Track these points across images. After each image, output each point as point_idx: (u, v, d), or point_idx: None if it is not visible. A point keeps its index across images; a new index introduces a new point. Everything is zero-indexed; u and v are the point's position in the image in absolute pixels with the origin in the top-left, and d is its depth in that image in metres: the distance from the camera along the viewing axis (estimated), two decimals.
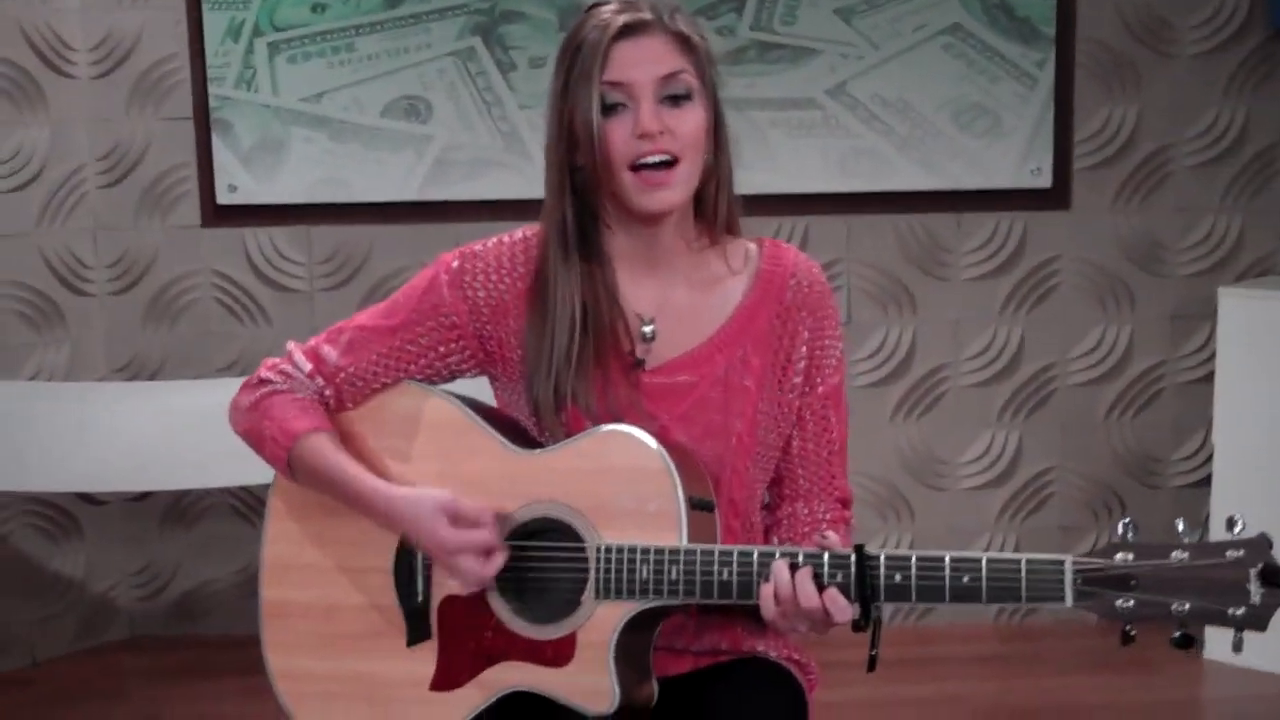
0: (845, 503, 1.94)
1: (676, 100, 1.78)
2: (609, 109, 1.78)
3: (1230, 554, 1.56)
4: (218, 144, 3.80)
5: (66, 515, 3.82)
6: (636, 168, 1.78)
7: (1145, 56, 3.77)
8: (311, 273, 3.88)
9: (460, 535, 1.76)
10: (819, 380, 1.89)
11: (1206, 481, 3.78)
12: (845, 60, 3.77)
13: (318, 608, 1.88)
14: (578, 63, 1.78)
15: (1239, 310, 3.59)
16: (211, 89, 3.79)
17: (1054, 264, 3.87)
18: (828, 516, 1.91)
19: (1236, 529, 1.57)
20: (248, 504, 3.91)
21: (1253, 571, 1.55)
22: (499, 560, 1.77)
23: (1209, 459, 3.76)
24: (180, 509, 3.93)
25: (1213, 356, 3.73)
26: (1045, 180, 3.81)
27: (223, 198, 3.83)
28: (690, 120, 1.79)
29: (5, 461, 3.34)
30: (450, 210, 3.83)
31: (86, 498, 3.82)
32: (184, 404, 3.48)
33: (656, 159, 1.77)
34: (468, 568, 1.76)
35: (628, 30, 1.77)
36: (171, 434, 3.35)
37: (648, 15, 1.79)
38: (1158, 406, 3.92)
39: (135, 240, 3.85)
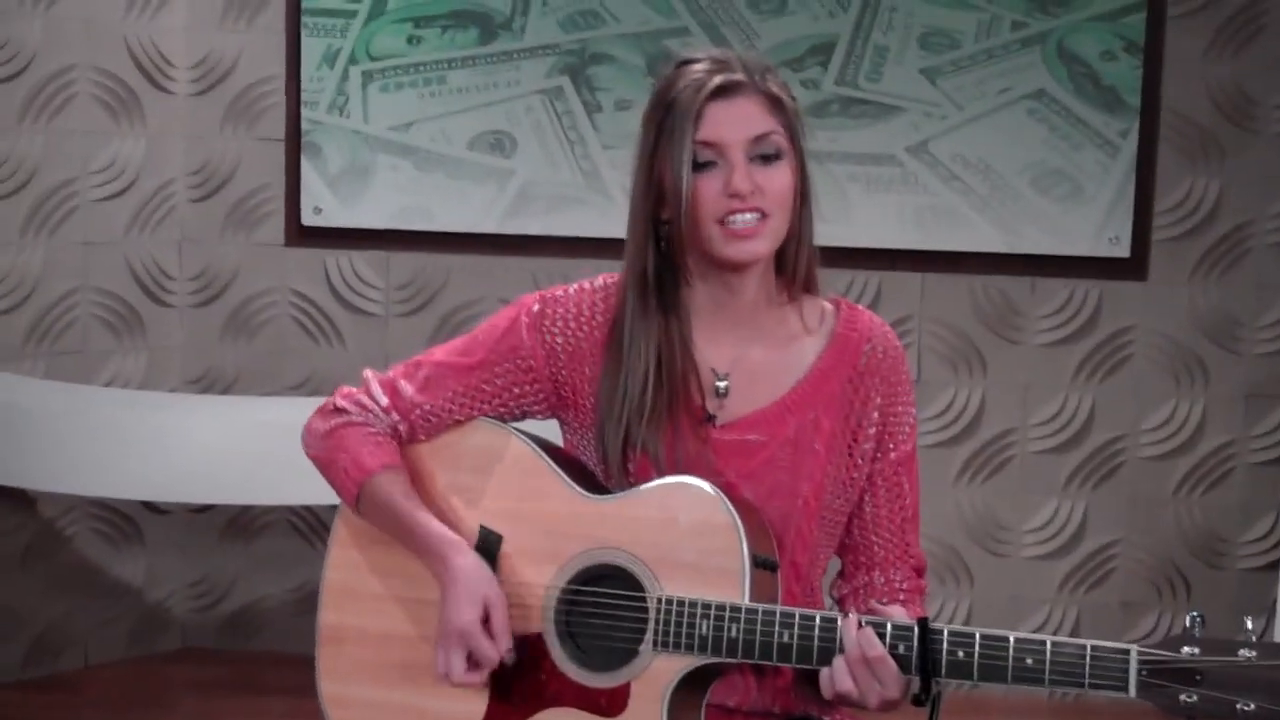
0: (920, 571, 1.95)
1: (767, 159, 1.80)
2: (700, 166, 1.80)
3: None
4: (306, 166, 3.87)
5: (129, 521, 3.89)
6: (723, 222, 1.80)
7: (1229, 132, 3.75)
8: (388, 298, 3.93)
9: (475, 633, 1.79)
10: (891, 447, 1.89)
11: (1275, 566, 3.73)
12: (928, 119, 3.78)
13: (374, 636, 1.90)
14: (669, 120, 1.80)
15: None
16: (304, 113, 3.86)
17: (1128, 334, 3.85)
18: (905, 586, 1.91)
19: None
20: (308, 523, 3.96)
21: None
22: (474, 679, 1.81)
23: (1278, 543, 3.72)
24: (241, 523, 3.98)
25: None
26: (1123, 250, 3.79)
27: (307, 219, 3.90)
28: (779, 179, 1.81)
29: (74, 465, 3.39)
30: (528, 244, 3.88)
31: (150, 506, 3.88)
32: (255, 419, 3.53)
33: (747, 218, 1.79)
34: (452, 657, 1.80)
35: (721, 91, 1.80)
36: (240, 448, 3.39)
37: (740, 76, 1.81)
38: (1227, 486, 3.87)
39: (219, 255, 3.93)
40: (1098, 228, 3.79)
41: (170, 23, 3.80)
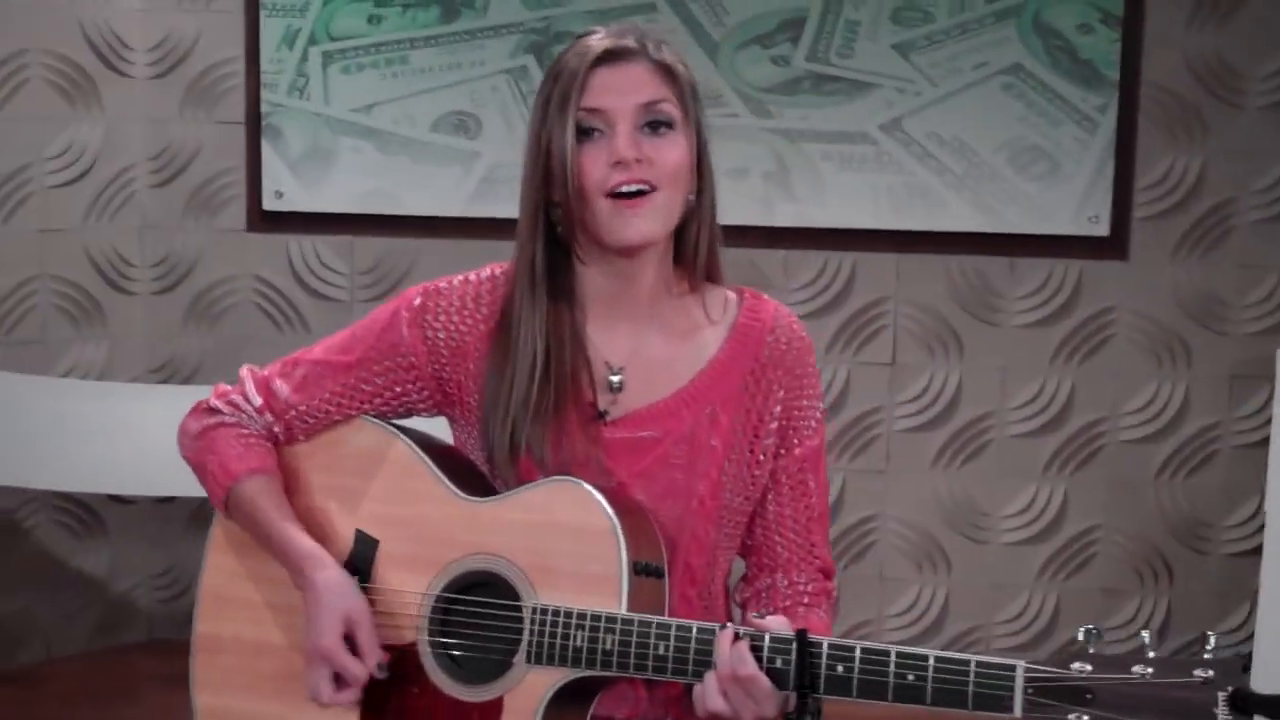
0: (828, 573, 1.84)
1: (656, 128, 1.71)
2: (585, 134, 1.70)
3: (1198, 674, 1.44)
4: (267, 150, 3.80)
5: (91, 513, 3.84)
6: (611, 195, 1.70)
7: (1212, 106, 3.63)
8: (353, 283, 3.86)
9: (338, 652, 1.71)
10: (796, 443, 1.79)
11: (1257, 551, 3.63)
12: (902, 95, 3.68)
13: (248, 645, 1.83)
14: (557, 89, 1.72)
15: None
16: (264, 95, 3.79)
17: (1109, 315, 3.74)
18: (809, 588, 1.81)
19: (1209, 646, 1.46)
20: None
21: (1221, 696, 1.43)
22: (344, 698, 1.72)
23: (1261, 528, 3.61)
24: (205, 513, 3.90)
25: (1270, 420, 3.58)
26: (1103, 228, 3.68)
27: (269, 204, 3.83)
28: (670, 150, 1.71)
29: (33, 458, 3.35)
30: (495, 227, 3.78)
31: (114, 496, 3.83)
32: None
33: (633, 188, 1.70)
34: (317, 680, 1.72)
35: (609, 56, 1.71)
36: None
37: (631, 43, 1.73)
38: (1211, 469, 3.77)
39: (180, 241, 3.87)
40: (1077, 206, 3.68)
41: (126, 4, 3.73)
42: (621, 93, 1.70)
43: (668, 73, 1.73)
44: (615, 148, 1.69)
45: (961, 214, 3.71)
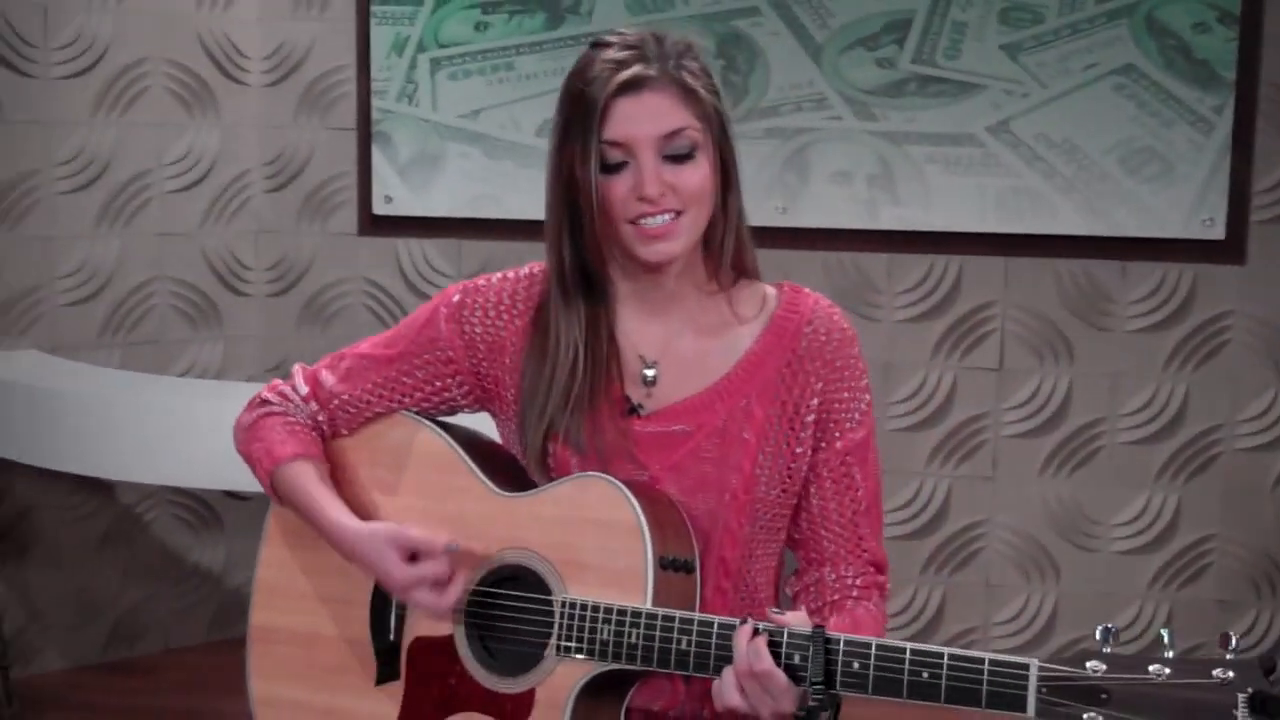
0: (879, 567, 1.83)
1: (679, 159, 1.71)
2: (609, 168, 1.71)
3: (1217, 674, 1.40)
4: (377, 155, 3.88)
5: (208, 508, 3.95)
6: (636, 222, 1.72)
7: None
8: None
9: (411, 571, 1.74)
10: (837, 435, 1.78)
11: None
12: (1009, 97, 3.62)
13: (300, 636, 1.87)
14: (577, 114, 1.72)
15: None
16: (374, 101, 3.87)
17: (1225, 320, 3.64)
18: (858, 582, 1.80)
19: (1231, 646, 1.42)
20: None
21: (1241, 697, 1.39)
22: (454, 591, 1.74)
23: None
24: None
25: None
26: (1218, 232, 3.58)
27: (379, 208, 3.91)
28: (693, 177, 1.72)
29: (151, 455, 3.44)
30: None
31: (230, 492, 3.94)
32: None
33: (658, 219, 1.71)
34: (423, 600, 1.74)
35: (629, 86, 1.70)
36: None
37: (652, 69, 1.71)
38: None
39: (294, 245, 3.96)
40: (1191, 209, 3.59)
41: (243, 15, 3.84)
42: (643, 123, 1.70)
43: (689, 95, 1.72)
44: (640, 184, 1.70)
45: (1071, 217, 3.64)
